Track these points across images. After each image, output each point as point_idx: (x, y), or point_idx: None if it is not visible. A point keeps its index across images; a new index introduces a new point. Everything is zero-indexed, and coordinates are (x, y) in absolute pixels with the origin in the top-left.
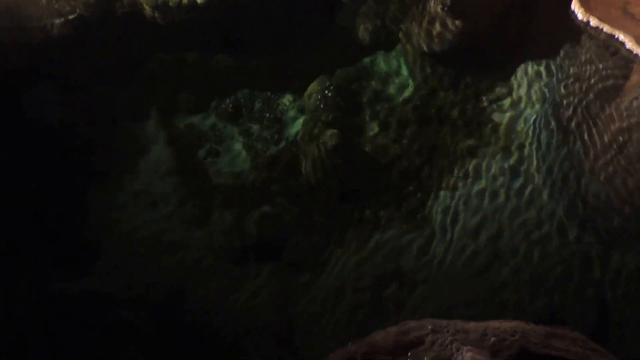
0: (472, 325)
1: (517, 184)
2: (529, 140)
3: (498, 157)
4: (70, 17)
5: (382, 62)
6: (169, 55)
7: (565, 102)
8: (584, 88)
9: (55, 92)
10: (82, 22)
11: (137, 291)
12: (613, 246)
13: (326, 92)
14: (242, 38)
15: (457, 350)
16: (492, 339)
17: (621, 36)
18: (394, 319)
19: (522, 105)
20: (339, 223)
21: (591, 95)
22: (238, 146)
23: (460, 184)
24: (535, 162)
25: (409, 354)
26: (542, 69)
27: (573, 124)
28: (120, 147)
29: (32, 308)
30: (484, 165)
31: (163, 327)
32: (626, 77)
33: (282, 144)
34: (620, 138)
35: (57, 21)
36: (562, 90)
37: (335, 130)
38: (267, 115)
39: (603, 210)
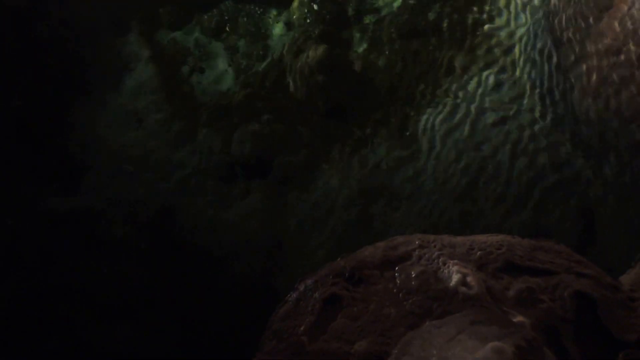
0: (458, 239)
1: (507, 97)
2: (520, 53)
3: (488, 70)
4: None
5: None
6: None
7: (558, 12)
8: None
9: (33, 8)
10: None
11: (126, 208)
12: (601, 160)
13: (312, 4)
14: None
15: (444, 264)
16: (479, 252)
17: None
18: (382, 235)
19: (514, 16)
20: (326, 139)
21: (585, 5)
22: (223, 62)
23: (449, 99)
24: (526, 75)
25: (397, 268)
26: None
27: (566, 35)
28: (103, 63)
29: (25, 224)
30: (473, 79)
31: (153, 243)
32: None
33: (268, 59)
34: (614, 49)
35: None
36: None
37: (320, 45)
38: (252, 30)
39: (593, 124)
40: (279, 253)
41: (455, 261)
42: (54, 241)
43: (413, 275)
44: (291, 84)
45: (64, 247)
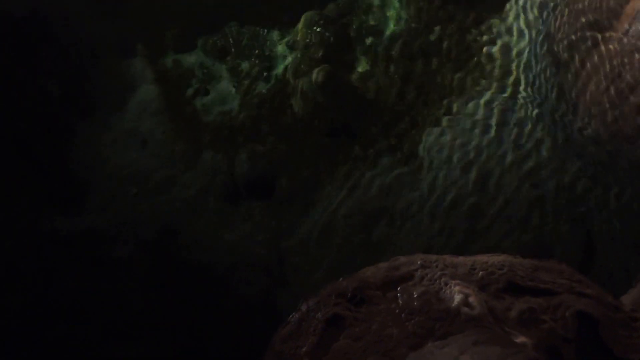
0: (460, 259)
1: (508, 117)
2: (521, 73)
3: (489, 90)
4: None
5: None
6: None
7: (558, 33)
8: (577, 19)
9: (38, 30)
10: None
11: (129, 229)
12: (602, 179)
13: (315, 27)
14: None
15: (446, 284)
16: (480, 273)
17: None
18: (384, 255)
19: (515, 36)
20: (329, 160)
21: (586, 25)
22: (227, 84)
23: (450, 119)
24: (526, 94)
25: (399, 288)
26: None
27: (566, 55)
28: (107, 85)
29: (28, 245)
30: (474, 99)
31: (156, 263)
32: (622, 6)
33: (272, 81)
34: (614, 69)
35: None
36: (556, 20)
37: (324, 66)
38: (256, 51)
39: (594, 143)
40: (281, 273)
41: (457, 281)
42: (56, 261)
43: (415, 296)
44: (294, 104)
45: (66, 267)
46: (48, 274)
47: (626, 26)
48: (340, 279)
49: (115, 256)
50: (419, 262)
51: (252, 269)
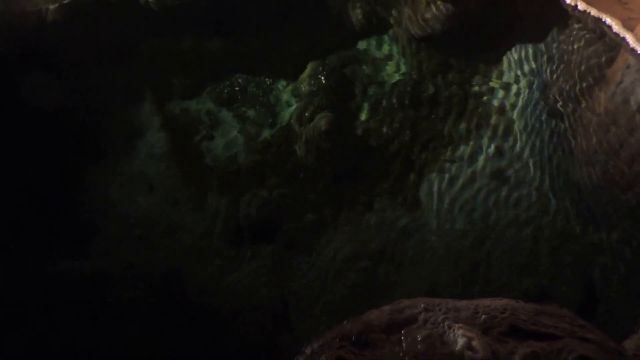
0: (463, 303)
1: (507, 166)
2: (518, 123)
3: (487, 140)
4: (65, 1)
5: (374, 47)
6: (163, 40)
7: (553, 85)
8: (571, 71)
9: (49, 75)
10: (77, 7)
11: (134, 271)
12: (600, 226)
13: (319, 76)
14: (234, 22)
15: (449, 327)
16: (483, 316)
17: (608, 19)
18: (387, 298)
19: (511, 88)
20: (332, 205)
21: (578, 79)
22: (233, 130)
23: (450, 167)
24: (524, 144)
25: (403, 331)
26: (530, 52)
27: (561, 107)
28: (116, 131)
29: (33, 287)
30: (474, 148)
31: (161, 306)
32: (612, 60)
33: (276, 128)
34: (606, 121)
35: (52, 6)
36: (550, 73)
37: (327, 114)
38: (261, 99)
39: (590, 191)
40: (285, 315)
41: (461, 325)
42: (61, 303)
43: (419, 339)
44: (299, 150)
45: (71, 309)
46: (53, 316)
47: (618, 78)
48: (344, 322)
49: (121, 299)
50: (422, 306)
51: (256, 312)
